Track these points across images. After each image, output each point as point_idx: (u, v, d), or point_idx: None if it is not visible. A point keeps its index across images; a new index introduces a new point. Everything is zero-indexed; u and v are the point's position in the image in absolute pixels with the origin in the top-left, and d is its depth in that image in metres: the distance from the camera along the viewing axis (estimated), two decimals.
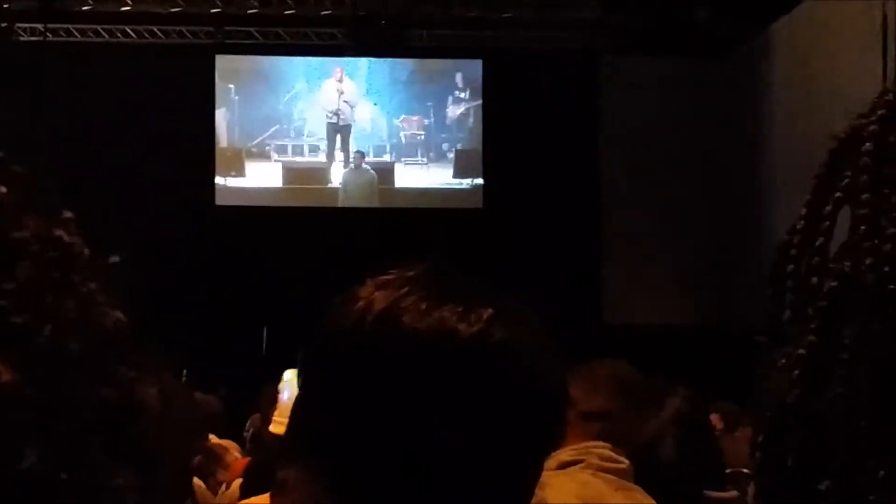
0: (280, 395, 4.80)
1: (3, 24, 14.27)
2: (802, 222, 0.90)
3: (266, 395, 6.15)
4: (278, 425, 4.58)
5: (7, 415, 0.63)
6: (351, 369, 1.48)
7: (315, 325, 1.56)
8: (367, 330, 1.47)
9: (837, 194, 0.87)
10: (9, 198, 0.69)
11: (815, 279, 0.85)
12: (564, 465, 3.40)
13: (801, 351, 0.83)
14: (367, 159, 15.45)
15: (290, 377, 4.68)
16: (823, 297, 0.83)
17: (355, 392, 1.47)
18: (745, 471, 5.06)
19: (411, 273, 1.54)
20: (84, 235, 0.74)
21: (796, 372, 0.83)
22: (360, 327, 1.48)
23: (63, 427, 0.66)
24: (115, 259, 0.75)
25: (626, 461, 3.61)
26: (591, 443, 3.55)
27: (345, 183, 15.44)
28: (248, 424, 8.61)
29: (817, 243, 0.87)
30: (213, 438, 6.33)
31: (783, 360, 0.85)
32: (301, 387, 1.56)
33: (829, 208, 0.88)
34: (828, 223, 0.88)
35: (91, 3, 14.44)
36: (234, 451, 6.59)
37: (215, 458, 6.09)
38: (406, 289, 1.49)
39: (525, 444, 1.49)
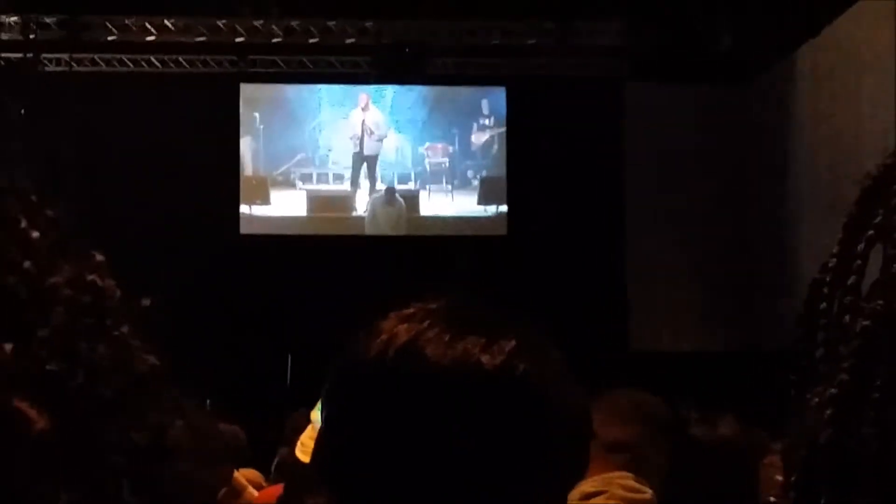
0: (314, 424, 4.77)
1: (30, 54, 14.35)
2: (834, 260, 0.90)
3: (291, 424, 6.13)
4: (303, 452, 4.56)
5: (42, 460, 0.63)
6: (374, 401, 1.48)
7: (338, 356, 1.57)
8: (390, 363, 1.47)
9: (870, 232, 0.87)
10: (42, 242, 0.70)
11: (847, 318, 0.85)
12: (588, 497, 3.39)
13: (833, 390, 0.83)
14: (392, 187, 15.45)
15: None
16: (856, 336, 0.82)
17: (378, 424, 1.47)
18: (772, 500, 5.03)
19: (433, 305, 1.54)
20: (115, 275, 0.74)
21: (828, 411, 0.83)
22: (383, 360, 1.48)
23: (96, 471, 0.66)
24: (146, 302, 0.75)
25: (650, 491, 3.60)
26: (615, 473, 3.54)
27: (372, 211, 15.45)
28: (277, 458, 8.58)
29: (849, 282, 0.87)
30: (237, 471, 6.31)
31: (815, 399, 0.85)
32: (325, 418, 1.57)
33: (861, 247, 0.87)
34: (860, 261, 0.87)
35: (116, 33, 14.53)
36: (258, 481, 6.57)
37: (235, 493, 6.08)
38: (428, 321, 1.50)
39: (549, 476, 1.49)
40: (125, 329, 0.71)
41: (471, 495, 1.45)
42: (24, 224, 0.70)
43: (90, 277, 0.71)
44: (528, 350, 1.48)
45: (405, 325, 1.49)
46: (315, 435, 4.62)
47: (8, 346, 0.64)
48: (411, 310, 1.53)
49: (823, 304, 0.88)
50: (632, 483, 3.53)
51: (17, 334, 0.65)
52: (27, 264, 0.68)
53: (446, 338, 1.47)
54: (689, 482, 3.90)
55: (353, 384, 1.52)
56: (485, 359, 1.46)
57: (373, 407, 1.48)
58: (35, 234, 0.70)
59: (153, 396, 0.71)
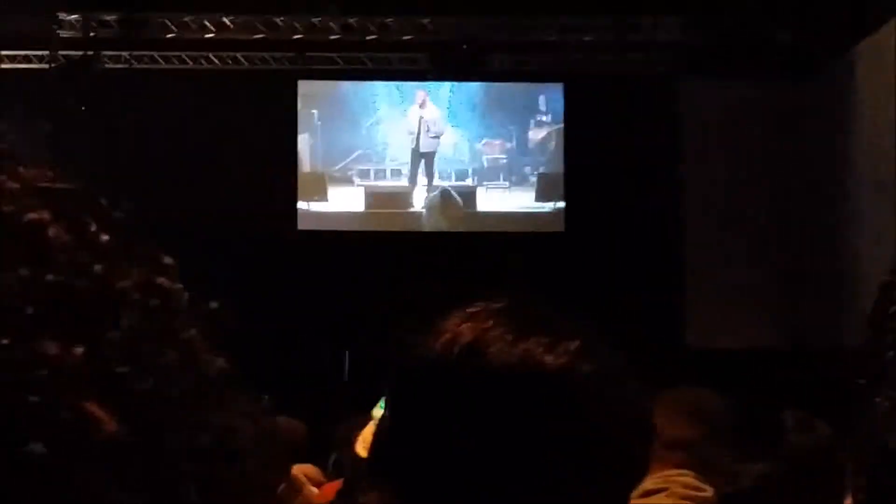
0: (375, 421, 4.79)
1: (89, 52, 14.47)
2: None
3: (345, 427, 6.16)
4: (363, 448, 4.58)
5: (112, 462, 0.64)
6: (438, 400, 1.49)
7: (399, 352, 1.57)
8: (455, 361, 1.48)
9: None
10: (111, 246, 0.70)
11: None
12: (648, 494, 3.38)
13: None
14: (449, 183, 15.47)
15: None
16: None
17: (441, 421, 1.48)
18: None
19: (496, 305, 1.54)
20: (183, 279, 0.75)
21: None
22: (447, 359, 1.49)
23: (164, 473, 0.66)
24: (214, 304, 0.76)
25: (710, 489, 3.59)
26: (675, 471, 3.53)
27: (430, 207, 15.47)
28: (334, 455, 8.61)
29: None
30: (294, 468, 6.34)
31: (886, 404, 0.84)
32: (387, 414, 1.57)
33: None
34: None
35: (175, 30, 14.62)
36: (317, 477, 6.60)
37: (294, 490, 6.10)
38: (492, 321, 1.50)
39: (611, 475, 1.49)
40: (193, 332, 0.72)
41: (532, 494, 1.45)
42: (93, 227, 0.71)
43: (159, 281, 0.71)
44: (591, 351, 1.48)
45: (469, 324, 1.50)
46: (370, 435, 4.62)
47: (78, 349, 0.64)
48: (475, 309, 1.53)
49: (894, 308, 0.87)
50: (692, 481, 3.52)
51: (87, 337, 0.65)
52: (97, 268, 0.68)
53: (510, 338, 1.48)
54: (786, 490, 3.84)
55: (416, 381, 1.53)
56: (548, 359, 1.46)
57: (436, 404, 1.49)
58: (104, 237, 0.70)
59: (221, 399, 0.72)
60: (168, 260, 0.74)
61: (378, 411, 4.72)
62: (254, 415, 0.80)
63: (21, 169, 0.71)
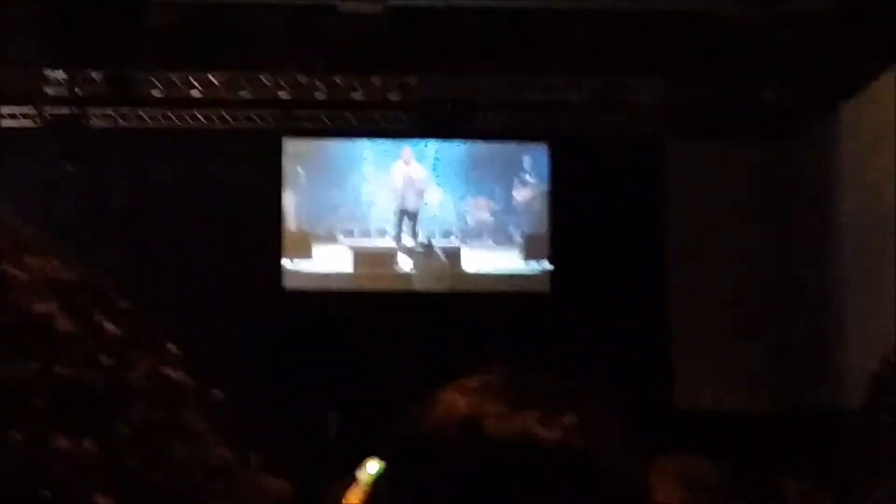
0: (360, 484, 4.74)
1: (75, 110, 14.49)
2: None
3: (336, 481, 6.12)
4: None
5: None
6: (433, 473, 1.49)
7: (395, 424, 1.57)
8: (451, 435, 1.48)
9: None
10: (118, 336, 0.70)
11: None
12: None
13: None
14: (434, 242, 15.47)
15: (374, 470, 4.59)
16: None
17: (437, 495, 1.47)
18: None
19: (490, 377, 1.54)
20: (188, 366, 0.75)
21: None
22: (443, 432, 1.49)
23: None
24: (218, 394, 0.76)
25: None
26: None
27: (416, 266, 15.46)
28: None
29: None
30: None
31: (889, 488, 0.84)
32: (384, 486, 1.57)
33: None
34: None
35: (162, 88, 14.65)
36: None
37: None
38: (486, 393, 1.50)
39: None
40: (200, 423, 0.71)
41: None
42: (98, 317, 0.71)
43: (166, 371, 0.71)
44: (586, 424, 1.48)
45: (464, 399, 1.50)
46: (360, 494, 4.58)
47: (88, 442, 0.64)
48: (469, 381, 1.54)
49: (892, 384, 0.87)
50: None
51: (97, 430, 0.65)
52: (105, 359, 0.68)
53: (505, 410, 1.47)
54: None
55: (411, 455, 1.53)
56: (542, 434, 1.46)
57: (432, 478, 1.49)
58: (111, 328, 0.70)
59: (229, 490, 0.71)
60: (174, 349, 0.74)
61: (363, 474, 4.68)
62: (262, 500, 0.79)
63: (27, 258, 0.71)
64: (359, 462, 4.92)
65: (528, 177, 15.70)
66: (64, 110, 14.52)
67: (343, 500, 4.81)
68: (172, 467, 0.67)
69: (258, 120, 15.36)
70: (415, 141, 15.52)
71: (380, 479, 1.59)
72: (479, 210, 15.63)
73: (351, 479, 5.08)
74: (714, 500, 3.80)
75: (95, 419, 0.65)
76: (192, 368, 0.75)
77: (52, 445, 0.63)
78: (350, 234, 15.57)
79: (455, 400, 1.51)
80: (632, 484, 1.51)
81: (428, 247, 15.45)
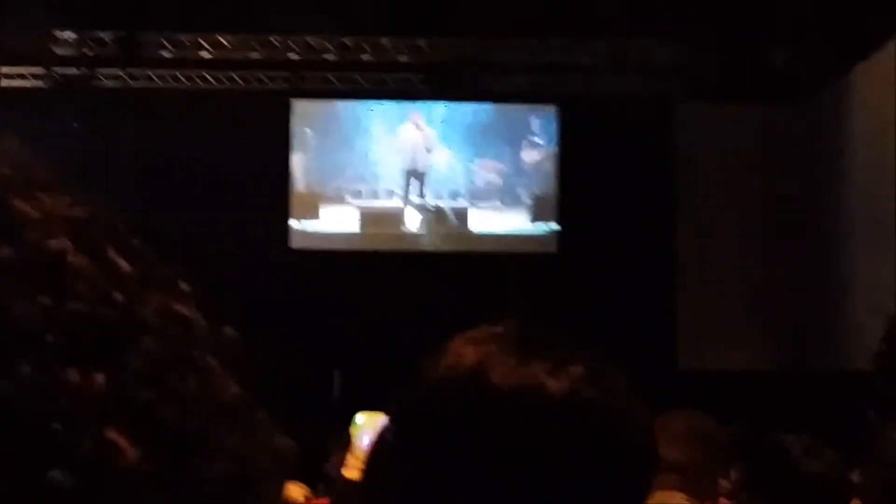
0: (354, 440, 4.75)
1: (85, 70, 14.48)
2: None
3: (339, 439, 6.14)
4: (353, 470, 4.56)
5: (133, 491, 0.64)
6: (439, 423, 1.49)
7: (393, 375, 1.58)
8: (457, 385, 1.48)
9: None
10: (131, 273, 0.70)
11: None
12: None
13: None
14: (442, 203, 15.47)
15: (362, 421, 4.63)
16: None
17: (443, 445, 1.48)
18: None
19: (499, 329, 1.54)
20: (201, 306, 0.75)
21: None
22: (450, 382, 1.49)
23: (183, 502, 0.67)
24: (230, 332, 0.76)
25: None
26: (668, 493, 3.55)
27: (424, 227, 15.46)
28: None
29: None
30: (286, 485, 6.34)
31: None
32: (390, 437, 1.57)
33: None
34: None
35: (171, 49, 14.63)
36: (305, 495, 6.61)
37: None
38: (495, 345, 1.50)
39: (613, 500, 1.49)
40: (211, 359, 0.72)
41: None
42: (111, 254, 0.71)
43: (177, 308, 0.71)
44: (594, 376, 1.49)
45: (472, 348, 1.50)
46: (358, 452, 4.60)
47: (100, 377, 0.65)
48: (477, 333, 1.53)
49: None
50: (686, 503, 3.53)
51: (108, 365, 0.65)
52: (117, 295, 0.68)
53: (513, 361, 1.47)
54: None
55: (419, 405, 1.53)
56: (551, 384, 1.46)
57: (438, 428, 1.49)
58: (124, 265, 0.71)
59: (238, 426, 0.72)
60: (185, 286, 0.75)
61: (355, 429, 4.70)
62: (271, 441, 0.80)
63: (39, 195, 0.71)
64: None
65: (536, 139, 15.68)
66: (73, 71, 14.52)
67: (344, 459, 4.82)
68: (183, 403, 0.68)
69: (267, 81, 15.34)
70: (424, 102, 15.50)
71: (386, 431, 1.59)
72: (488, 171, 15.61)
73: (348, 436, 5.07)
74: (716, 457, 3.81)
75: (107, 354, 0.66)
76: (203, 310, 0.75)
77: (63, 379, 0.64)
78: (358, 194, 15.56)
79: (462, 350, 1.51)
80: (638, 435, 1.51)
81: (437, 209, 15.44)
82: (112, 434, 0.64)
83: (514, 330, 1.54)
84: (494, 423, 1.46)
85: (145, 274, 0.71)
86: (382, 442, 1.59)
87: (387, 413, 1.60)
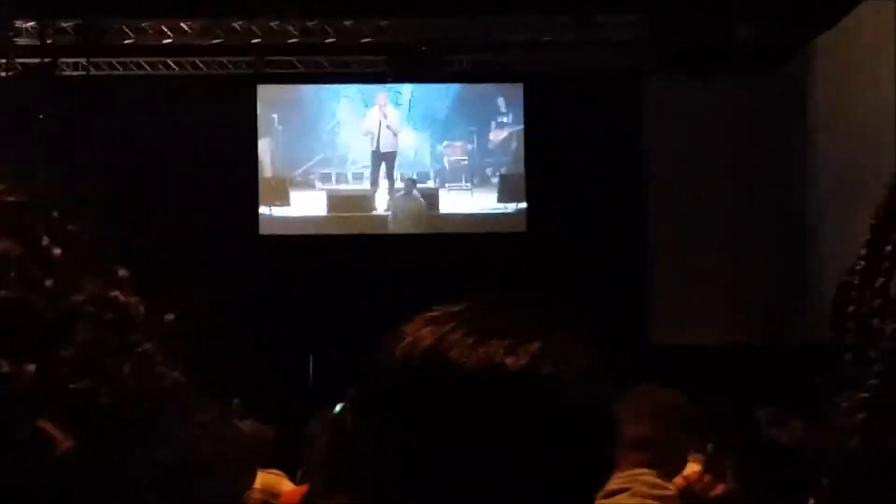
0: None
1: (47, 59, 14.38)
2: (863, 262, 0.88)
3: (313, 425, 6.14)
4: None
5: (68, 481, 0.63)
6: (399, 405, 1.49)
7: (363, 356, 1.57)
8: (415, 365, 1.48)
9: None
10: (64, 259, 0.69)
11: (876, 320, 0.83)
12: (611, 494, 3.40)
13: (864, 394, 0.82)
14: (411, 185, 15.45)
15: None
16: (887, 339, 0.81)
17: (403, 427, 1.47)
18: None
19: (457, 308, 1.54)
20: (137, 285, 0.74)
21: (859, 416, 0.81)
22: (408, 363, 1.48)
23: (122, 491, 0.66)
24: (170, 317, 0.75)
25: (673, 487, 3.61)
26: (638, 470, 3.55)
27: (394, 209, 15.45)
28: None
29: (878, 284, 0.85)
30: (261, 472, 6.34)
31: (845, 404, 0.84)
32: (351, 421, 1.57)
33: (889, 248, 0.85)
34: (888, 263, 0.85)
35: (133, 36, 14.55)
36: (283, 481, 6.59)
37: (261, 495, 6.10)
38: (452, 324, 1.50)
39: (574, 476, 1.49)
40: (149, 346, 0.71)
41: (496, 497, 1.45)
42: (45, 240, 0.70)
43: (113, 294, 0.70)
44: (552, 352, 1.48)
45: (429, 328, 1.50)
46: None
47: (31, 367, 0.64)
48: (435, 312, 1.53)
49: (852, 307, 0.86)
50: (655, 480, 3.54)
51: (40, 354, 0.64)
52: (49, 282, 0.67)
53: (470, 340, 1.47)
54: (760, 486, 3.84)
55: (378, 387, 1.53)
56: (509, 361, 1.46)
57: (397, 410, 1.48)
58: (57, 251, 0.70)
59: (179, 413, 0.71)
60: (122, 272, 0.73)
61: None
62: (217, 425, 0.79)
63: None
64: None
65: (503, 118, 15.68)
66: (35, 60, 14.41)
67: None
68: (121, 390, 0.67)
69: (231, 66, 15.27)
70: (389, 85, 15.46)
71: (344, 413, 1.59)
72: (456, 152, 15.60)
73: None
74: (683, 431, 3.82)
75: (39, 342, 0.65)
76: (146, 295, 0.74)
77: None
78: (327, 179, 15.54)
79: (420, 332, 1.50)
80: (598, 409, 1.51)
81: (405, 185, 15.41)
82: (44, 424, 0.63)
83: (470, 308, 1.54)
84: (453, 403, 1.46)
85: (80, 260, 0.70)
86: (341, 425, 1.59)
87: (345, 395, 1.60)
